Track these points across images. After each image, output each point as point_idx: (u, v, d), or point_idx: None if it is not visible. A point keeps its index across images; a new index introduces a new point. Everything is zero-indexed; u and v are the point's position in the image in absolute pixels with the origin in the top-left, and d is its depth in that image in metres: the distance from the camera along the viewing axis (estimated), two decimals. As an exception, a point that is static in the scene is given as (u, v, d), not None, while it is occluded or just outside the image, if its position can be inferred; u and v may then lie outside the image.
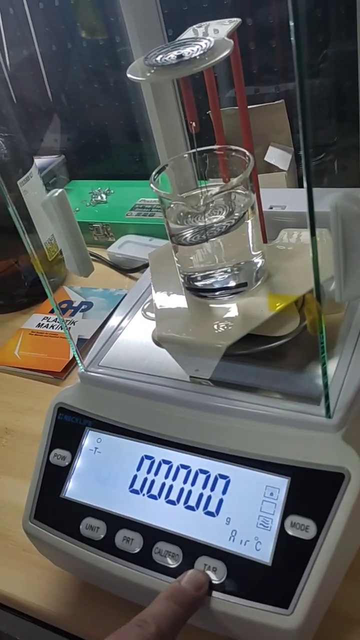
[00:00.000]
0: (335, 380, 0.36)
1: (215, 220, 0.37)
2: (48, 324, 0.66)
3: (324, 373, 0.32)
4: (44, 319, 0.67)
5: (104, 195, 0.85)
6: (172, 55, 0.33)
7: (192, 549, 0.33)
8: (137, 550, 0.34)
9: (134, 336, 0.44)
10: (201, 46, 0.32)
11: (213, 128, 0.40)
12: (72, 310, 0.68)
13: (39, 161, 0.91)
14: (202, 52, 0.32)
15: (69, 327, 0.65)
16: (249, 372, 0.39)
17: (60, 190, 0.37)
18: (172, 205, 0.38)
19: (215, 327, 0.38)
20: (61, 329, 0.65)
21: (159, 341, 0.39)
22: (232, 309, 0.39)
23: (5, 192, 0.36)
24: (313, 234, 0.26)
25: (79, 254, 0.39)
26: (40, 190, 0.70)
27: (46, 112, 0.91)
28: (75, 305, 0.69)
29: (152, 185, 0.37)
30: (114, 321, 0.46)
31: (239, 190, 0.38)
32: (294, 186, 0.74)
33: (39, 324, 0.67)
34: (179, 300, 0.41)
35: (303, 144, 0.24)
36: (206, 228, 0.37)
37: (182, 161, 0.41)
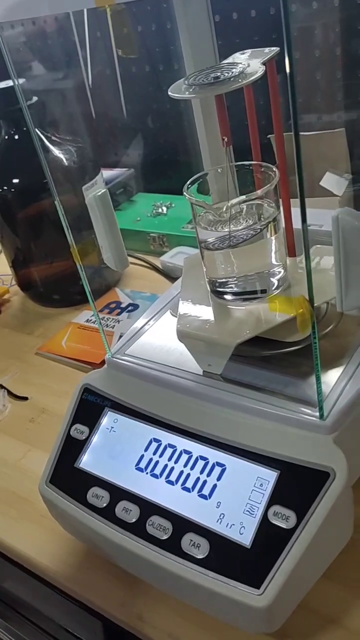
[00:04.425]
0: (336, 386, 0.38)
1: (240, 227, 0.40)
2: (96, 321, 0.71)
3: (318, 378, 0.34)
4: (92, 316, 0.72)
5: (164, 208, 0.90)
6: (210, 77, 0.37)
7: (181, 525, 0.36)
8: (134, 520, 0.37)
9: (160, 331, 0.47)
10: (235, 70, 0.36)
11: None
12: (119, 310, 0.72)
13: (110, 172, 0.98)
14: (235, 74, 0.36)
15: (114, 325, 0.69)
16: (259, 373, 0.41)
17: (103, 190, 0.41)
18: (202, 213, 0.41)
19: (230, 326, 0.40)
20: (107, 326, 0.70)
21: (177, 335, 0.42)
22: (248, 312, 0.41)
23: (55, 195, 0.41)
24: (307, 250, 0.29)
25: (116, 250, 0.43)
26: (103, 198, 0.75)
27: (121, 128, 0.97)
28: (123, 305, 0.73)
29: (185, 192, 0.40)
30: (144, 317, 0.49)
31: (265, 203, 0.41)
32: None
33: (88, 319, 0.72)
34: (202, 301, 0.44)
35: (297, 163, 0.27)
36: (230, 235, 0.40)
37: (219, 174, 0.45)
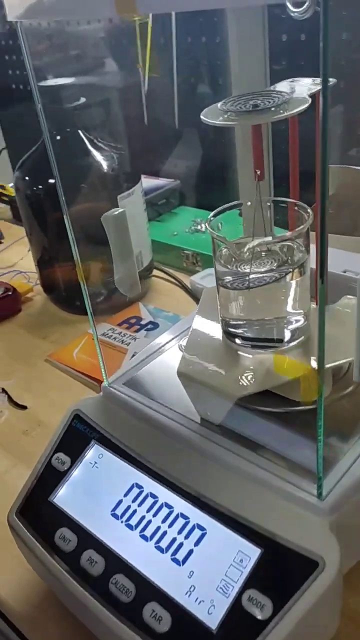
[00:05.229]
0: (343, 461, 0.34)
1: (262, 269, 0.37)
2: (112, 335, 0.68)
3: (319, 454, 0.30)
4: (110, 329, 0.69)
5: (204, 226, 0.87)
6: (249, 104, 0.33)
7: (146, 591, 0.32)
8: (97, 574, 0.34)
9: (164, 366, 0.44)
10: (277, 99, 0.32)
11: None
12: (138, 327, 0.70)
13: (155, 181, 0.95)
14: (275, 105, 0.32)
15: (129, 342, 0.66)
16: (262, 427, 0.37)
17: (121, 210, 0.38)
18: (223, 249, 0.38)
19: (235, 376, 0.37)
20: (122, 342, 0.67)
21: (178, 375, 0.38)
22: (259, 362, 0.38)
23: (64, 204, 0.38)
24: (322, 308, 0.25)
25: (127, 274, 0.40)
26: (139, 209, 0.72)
27: (172, 137, 0.95)
28: (142, 322, 0.70)
29: (207, 225, 0.37)
30: (151, 346, 0.46)
31: (294, 244, 0.37)
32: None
33: (104, 333, 0.69)
34: (212, 341, 0.40)
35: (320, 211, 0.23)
36: (249, 276, 0.36)
37: (251, 207, 0.41)
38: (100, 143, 0.70)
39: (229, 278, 0.37)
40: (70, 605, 0.36)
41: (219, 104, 0.34)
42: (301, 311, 0.38)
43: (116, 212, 0.38)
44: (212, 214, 0.38)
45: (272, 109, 0.32)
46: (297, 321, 0.38)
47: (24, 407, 0.59)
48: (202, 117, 0.33)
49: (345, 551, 0.30)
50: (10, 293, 0.77)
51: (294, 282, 0.36)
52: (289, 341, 0.38)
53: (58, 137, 0.68)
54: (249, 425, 0.37)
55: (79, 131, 0.68)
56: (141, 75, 0.92)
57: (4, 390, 0.61)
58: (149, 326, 0.70)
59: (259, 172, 0.36)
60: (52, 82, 0.67)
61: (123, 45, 0.90)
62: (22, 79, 1.17)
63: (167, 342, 0.47)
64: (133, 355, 0.64)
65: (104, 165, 0.69)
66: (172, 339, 0.47)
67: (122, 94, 0.93)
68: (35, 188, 0.68)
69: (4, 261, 0.91)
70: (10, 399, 0.60)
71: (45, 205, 0.69)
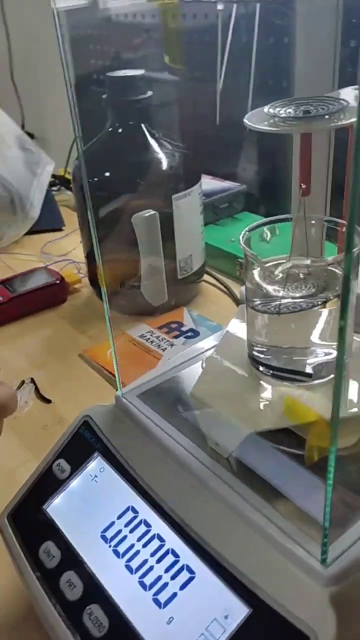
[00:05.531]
0: (358, 527, 0.29)
1: (297, 294, 0.33)
2: (149, 338, 0.66)
3: (327, 516, 0.26)
4: (148, 332, 0.67)
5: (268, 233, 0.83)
6: (300, 109, 0.30)
7: (119, 630, 0.30)
8: (73, 599, 0.32)
9: (187, 380, 0.41)
10: (332, 106, 0.29)
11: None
12: (178, 333, 0.67)
13: (220, 184, 0.92)
14: (330, 112, 0.28)
15: (166, 348, 0.64)
16: (276, 470, 0.34)
17: (152, 212, 0.36)
18: (255, 267, 0.35)
19: (252, 408, 0.33)
20: (159, 347, 0.64)
21: (191, 397, 0.35)
22: (280, 396, 0.34)
23: (90, 206, 0.36)
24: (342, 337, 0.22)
25: (152, 280, 0.37)
26: (195, 211, 0.70)
27: (241, 140, 0.91)
28: (183, 329, 0.68)
29: (240, 239, 0.34)
30: (177, 359, 0.43)
31: (338, 269, 0.33)
32: None
33: (142, 335, 0.67)
34: (235, 364, 0.37)
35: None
36: (281, 301, 0.33)
37: (302, 223, 0.37)
38: (163, 140, 0.68)
39: (258, 300, 0.34)
40: (42, 622, 0.34)
41: (265, 108, 0.31)
42: (336, 344, 0.34)
43: (147, 214, 0.35)
44: (248, 227, 0.35)
45: (326, 117, 0.29)
46: (328, 354, 0.34)
47: (48, 401, 0.58)
48: (245, 120, 0.30)
49: (342, 629, 0.26)
50: (57, 282, 0.76)
51: (328, 311, 0.32)
52: (319, 377, 0.34)
53: (120, 130, 0.67)
54: (262, 463, 0.34)
55: (142, 125, 0.66)
56: (217, 72, 0.89)
57: (32, 381, 0.60)
58: (189, 334, 0.67)
59: (304, 187, 0.32)
60: (120, 72, 0.66)
61: (205, 41, 0.87)
62: (103, 69, 1.16)
63: (197, 355, 0.44)
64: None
65: (164, 163, 0.67)
66: (204, 351, 0.44)
67: (193, 91, 0.91)
68: (90, 180, 0.67)
69: (60, 249, 0.91)
70: (36, 390, 0.59)
71: (99, 198, 0.68)
